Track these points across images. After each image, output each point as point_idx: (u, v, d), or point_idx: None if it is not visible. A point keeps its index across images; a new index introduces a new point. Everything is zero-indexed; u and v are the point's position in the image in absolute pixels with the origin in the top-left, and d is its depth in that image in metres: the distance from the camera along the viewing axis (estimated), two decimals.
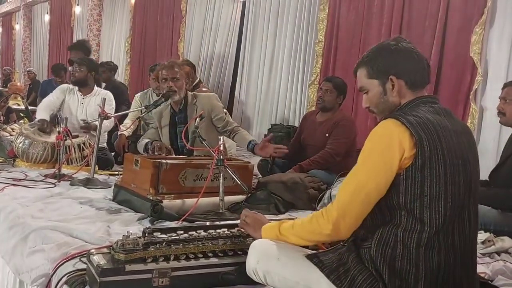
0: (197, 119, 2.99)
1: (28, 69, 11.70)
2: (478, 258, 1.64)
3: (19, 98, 7.60)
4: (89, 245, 1.84)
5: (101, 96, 3.67)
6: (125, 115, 4.38)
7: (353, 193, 1.36)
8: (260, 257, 1.49)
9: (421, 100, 1.44)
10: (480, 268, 1.93)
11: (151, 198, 2.35)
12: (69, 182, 2.97)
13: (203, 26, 7.38)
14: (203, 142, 2.78)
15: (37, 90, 8.19)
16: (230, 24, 6.87)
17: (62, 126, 3.23)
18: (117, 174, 3.32)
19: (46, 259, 1.78)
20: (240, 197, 2.67)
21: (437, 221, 1.31)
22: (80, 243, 1.89)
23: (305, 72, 5.64)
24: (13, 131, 4.35)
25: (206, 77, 7.15)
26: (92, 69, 3.92)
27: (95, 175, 3.03)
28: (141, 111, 3.57)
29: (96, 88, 3.97)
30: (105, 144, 4.09)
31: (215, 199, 2.47)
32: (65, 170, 3.23)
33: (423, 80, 1.48)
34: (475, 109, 3.88)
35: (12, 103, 6.92)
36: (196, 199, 2.35)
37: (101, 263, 1.48)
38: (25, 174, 3.11)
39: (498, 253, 2.33)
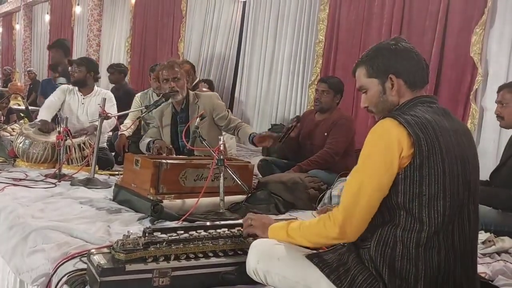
0: (198, 119, 2.99)
1: (28, 69, 11.70)
2: (478, 258, 1.63)
3: (19, 98, 7.59)
4: (89, 245, 1.84)
5: (101, 96, 3.67)
6: (125, 115, 4.38)
7: (356, 195, 1.35)
8: (261, 257, 1.49)
9: (419, 100, 1.44)
10: (480, 268, 1.93)
11: (151, 198, 2.35)
12: (70, 182, 2.98)
13: (203, 26, 7.37)
14: (203, 142, 2.78)
15: (37, 90, 8.17)
16: (231, 24, 6.86)
17: (62, 126, 3.23)
18: (117, 174, 3.33)
19: (46, 259, 1.78)
20: (240, 197, 2.67)
21: (436, 220, 1.31)
22: (80, 243, 1.89)
23: (305, 73, 5.63)
24: (14, 131, 4.35)
25: (206, 78, 7.14)
26: (91, 69, 3.91)
27: (96, 175, 3.04)
28: (142, 111, 3.57)
29: (96, 88, 3.97)
30: (105, 144, 4.10)
31: (215, 199, 2.47)
32: (65, 170, 3.24)
33: (422, 80, 1.48)
34: (475, 109, 3.87)
35: (12, 103, 6.92)
36: (197, 199, 2.36)
37: (101, 263, 1.48)
38: (26, 174, 3.12)
39: (499, 253, 2.33)
